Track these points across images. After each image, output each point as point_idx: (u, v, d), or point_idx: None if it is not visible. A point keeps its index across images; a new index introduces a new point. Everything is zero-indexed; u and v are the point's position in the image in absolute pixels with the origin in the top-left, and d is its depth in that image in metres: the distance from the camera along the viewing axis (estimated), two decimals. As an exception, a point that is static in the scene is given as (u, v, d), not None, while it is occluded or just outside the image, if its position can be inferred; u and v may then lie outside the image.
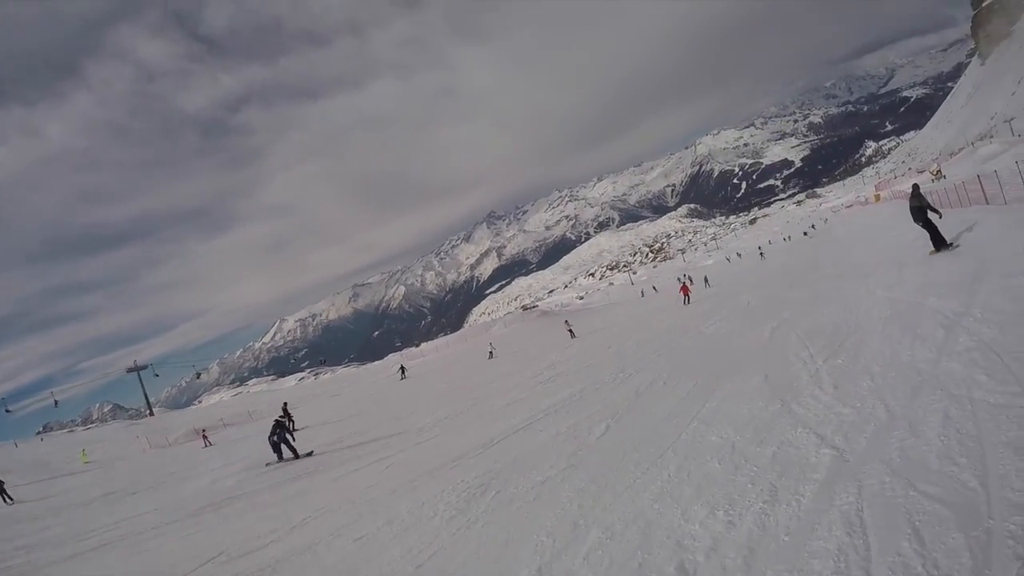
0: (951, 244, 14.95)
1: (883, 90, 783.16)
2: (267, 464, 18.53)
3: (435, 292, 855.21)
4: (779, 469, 5.62)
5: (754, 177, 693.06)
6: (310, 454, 18.40)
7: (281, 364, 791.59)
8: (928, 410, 5.62)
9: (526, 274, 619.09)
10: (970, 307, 8.40)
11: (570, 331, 39.62)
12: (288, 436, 18.73)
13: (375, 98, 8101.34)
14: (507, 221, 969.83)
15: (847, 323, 10.60)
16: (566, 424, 10.90)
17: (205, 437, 38.33)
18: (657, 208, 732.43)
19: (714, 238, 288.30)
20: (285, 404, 32.05)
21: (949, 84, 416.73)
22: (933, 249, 15.12)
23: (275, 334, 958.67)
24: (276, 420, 19.40)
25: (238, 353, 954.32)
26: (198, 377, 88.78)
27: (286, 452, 18.56)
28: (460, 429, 15.20)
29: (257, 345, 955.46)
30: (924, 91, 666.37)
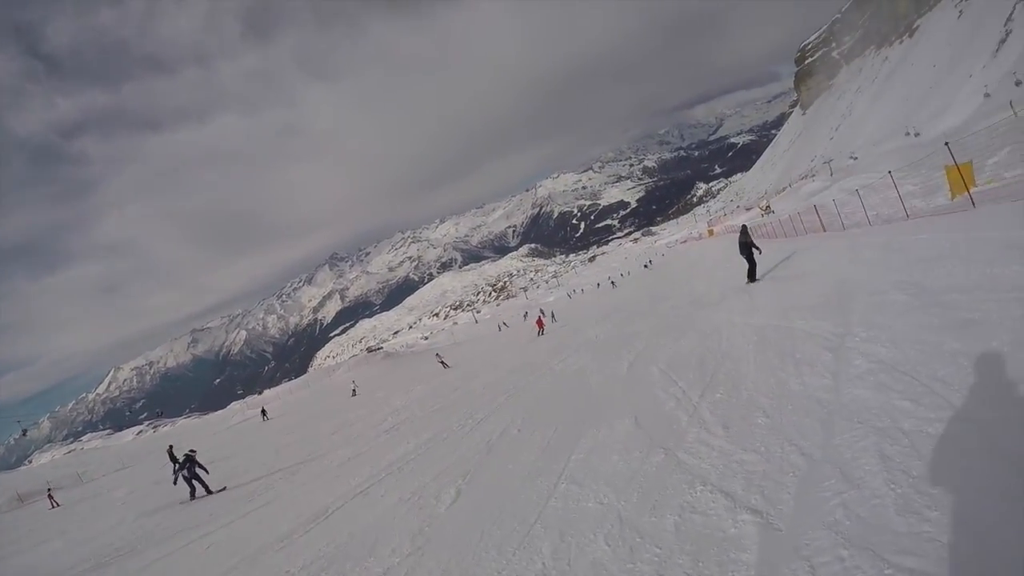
0: (757, 279, 17.14)
1: (712, 137, 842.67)
2: (182, 502, 16.98)
3: (278, 336, 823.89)
4: (691, 549, 4.30)
5: (592, 218, 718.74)
6: (223, 489, 17.11)
7: (117, 416, 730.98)
8: (855, 450, 4.62)
9: (370, 316, 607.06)
10: (850, 327, 7.91)
11: (442, 363, 39.99)
12: (199, 472, 17.28)
13: (219, 133, 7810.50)
14: (350, 263, 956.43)
15: (712, 352, 9.99)
16: (411, 487, 9.32)
17: (51, 497, 33.92)
18: (499, 248, 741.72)
19: (555, 275, 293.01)
20: (171, 447, 28.21)
21: (773, 131, 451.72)
22: (748, 280, 17.16)
23: (110, 384, 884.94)
24: (186, 455, 17.69)
25: (71, 405, 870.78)
26: (24, 434, 78.42)
27: (199, 489, 17.13)
28: (294, 492, 13.28)
29: (91, 396, 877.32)
30: (750, 138, 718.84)
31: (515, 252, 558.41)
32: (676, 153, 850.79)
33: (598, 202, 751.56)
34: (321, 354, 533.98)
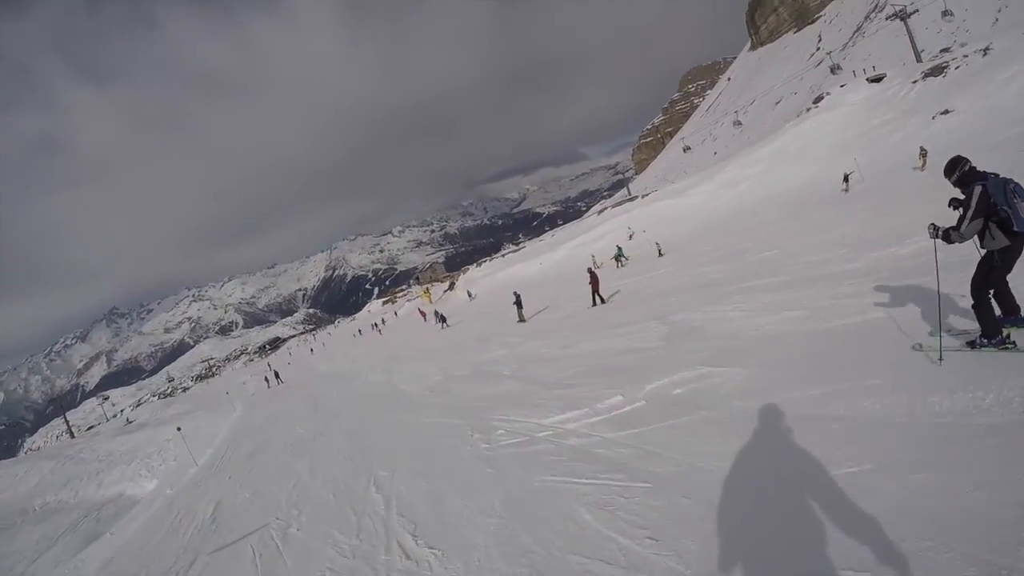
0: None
1: (515, 210, 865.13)
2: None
3: (40, 401, 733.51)
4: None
5: (387, 283, 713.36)
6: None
7: None
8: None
9: (131, 383, 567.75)
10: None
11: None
12: None
13: None
14: (130, 320, 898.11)
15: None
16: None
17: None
18: (286, 312, 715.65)
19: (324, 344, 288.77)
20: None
21: (578, 204, 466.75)
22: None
23: None
24: None
25: None
26: None
27: None
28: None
29: None
30: (555, 208, 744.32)
31: (290, 318, 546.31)
32: (479, 222, 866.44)
33: (395, 267, 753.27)
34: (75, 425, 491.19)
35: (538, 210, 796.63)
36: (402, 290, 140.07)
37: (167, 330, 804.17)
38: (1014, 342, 6.30)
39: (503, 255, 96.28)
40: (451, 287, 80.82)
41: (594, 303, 22.92)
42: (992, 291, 6.52)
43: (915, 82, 43.05)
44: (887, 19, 63.02)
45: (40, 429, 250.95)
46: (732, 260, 20.67)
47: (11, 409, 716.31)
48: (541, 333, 20.17)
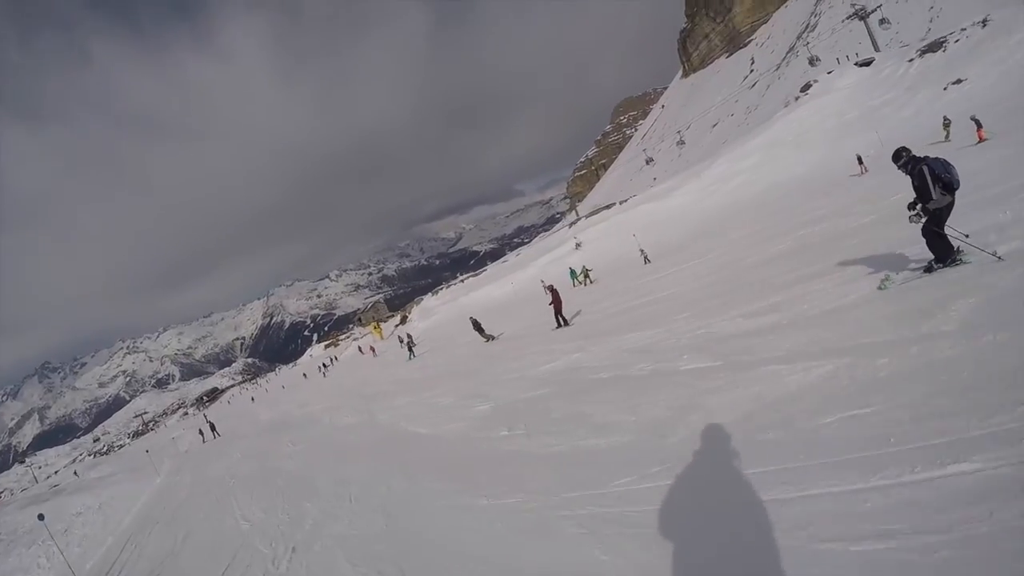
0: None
1: (452, 249, 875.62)
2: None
3: None
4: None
5: (326, 328, 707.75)
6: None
7: None
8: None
9: (65, 442, 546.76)
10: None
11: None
12: None
13: None
14: (62, 375, 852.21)
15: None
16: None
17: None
18: (224, 362, 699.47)
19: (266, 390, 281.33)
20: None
21: (515, 240, 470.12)
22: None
23: None
24: None
25: None
26: None
27: None
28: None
29: None
30: (492, 246, 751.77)
31: (227, 369, 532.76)
32: (416, 263, 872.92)
33: (333, 311, 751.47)
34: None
35: (475, 248, 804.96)
36: (344, 334, 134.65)
37: (101, 384, 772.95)
38: (962, 260, 8.74)
39: (462, 280, 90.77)
40: (403, 321, 75.68)
41: (558, 324, 20.87)
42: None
43: (911, 60, 44.34)
44: (843, 20, 64.14)
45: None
46: (723, 270, 18.22)
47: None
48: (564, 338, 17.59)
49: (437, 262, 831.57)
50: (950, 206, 8.64)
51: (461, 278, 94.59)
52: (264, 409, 47.62)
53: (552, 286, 24.51)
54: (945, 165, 8.53)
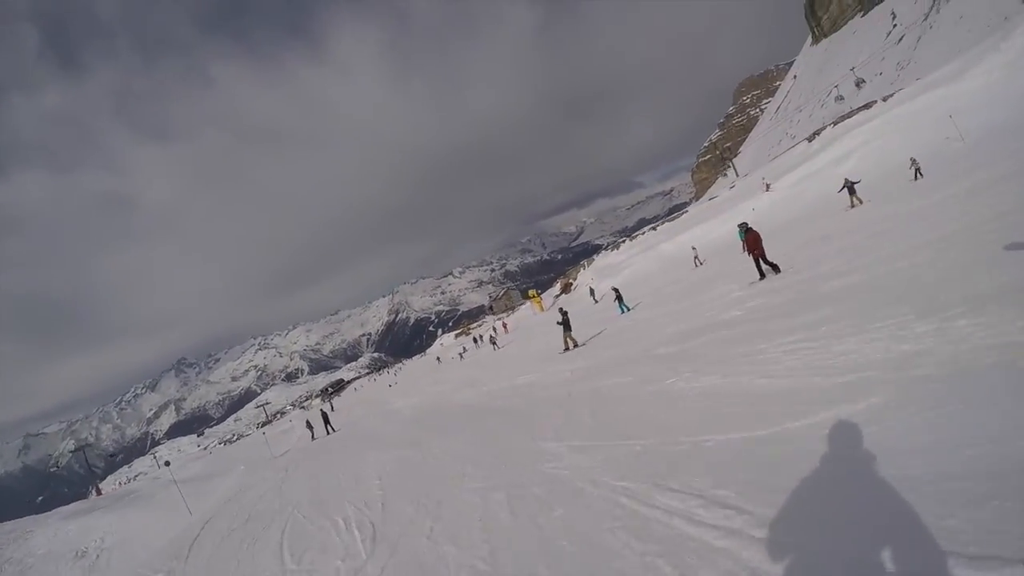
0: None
1: (574, 243, 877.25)
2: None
3: (111, 448, 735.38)
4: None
5: (450, 324, 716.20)
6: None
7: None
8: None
9: (198, 431, 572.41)
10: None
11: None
12: None
13: (19, 191, 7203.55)
14: (197, 369, 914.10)
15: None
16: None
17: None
18: (351, 357, 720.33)
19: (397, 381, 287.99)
20: None
21: (636, 234, 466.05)
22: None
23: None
24: None
25: None
26: None
27: None
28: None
29: None
30: (614, 239, 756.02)
31: (355, 363, 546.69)
32: (538, 257, 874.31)
33: (458, 307, 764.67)
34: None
35: (597, 241, 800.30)
36: (477, 322, 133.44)
37: (234, 378, 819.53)
38: None
39: (647, 231, 74.44)
40: (566, 289, 67.48)
41: (760, 275, 17.71)
42: None
43: None
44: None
45: (109, 476, 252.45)
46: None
47: (82, 457, 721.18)
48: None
49: (559, 256, 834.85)
50: None
51: (644, 231, 79.41)
52: (399, 396, 39.72)
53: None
54: None
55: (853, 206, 26.87)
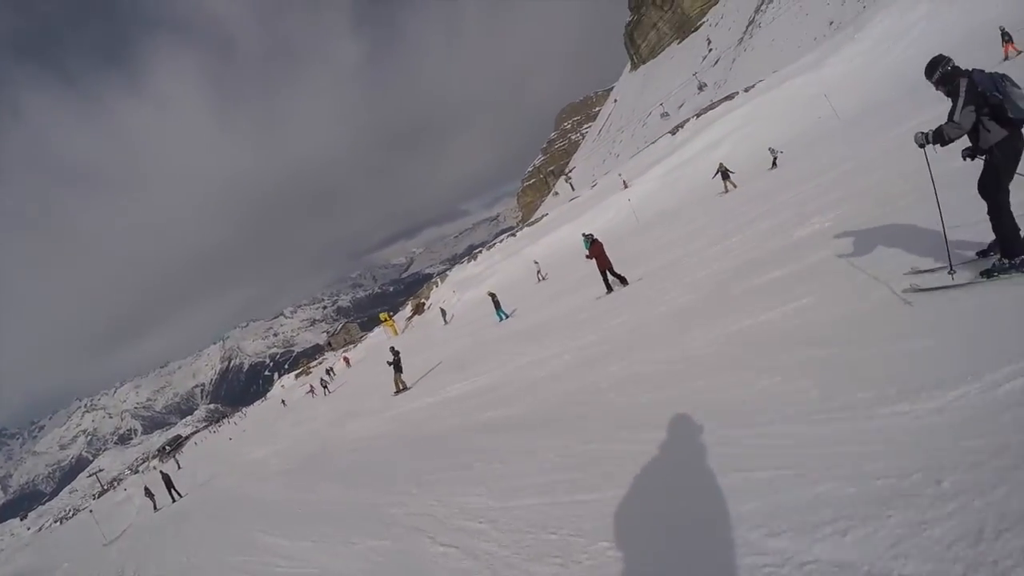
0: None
1: (405, 275, 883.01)
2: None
3: None
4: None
5: (286, 367, 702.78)
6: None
7: None
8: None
9: (22, 518, 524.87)
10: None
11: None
12: None
13: None
14: (21, 441, 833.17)
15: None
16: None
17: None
18: (187, 411, 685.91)
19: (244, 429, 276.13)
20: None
21: (462, 261, 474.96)
22: None
23: None
24: None
25: None
26: None
27: None
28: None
29: None
30: (445, 267, 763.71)
31: (190, 418, 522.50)
32: (369, 291, 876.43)
33: (292, 348, 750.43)
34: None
35: (427, 271, 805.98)
36: (316, 361, 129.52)
37: (62, 446, 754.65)
38: None
39: (501, 240, 74.07)
40: (418, 310, 66.00)
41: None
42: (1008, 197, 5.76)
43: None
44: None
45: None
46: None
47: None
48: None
49: (391, 288, 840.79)
50: (1013, 150, 5.67)
51: (498, 239, 78.64)
52: (255, 445, 33.94)
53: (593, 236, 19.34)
54: (996, 80, 5.64)
55: (727, 191, 29.08)
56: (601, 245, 18.13)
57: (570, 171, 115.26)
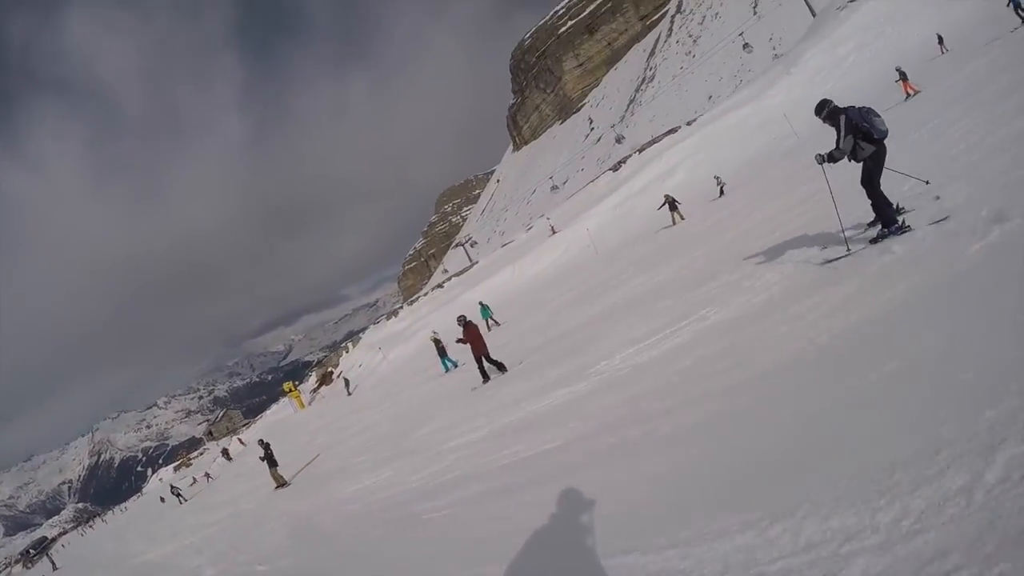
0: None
1: (284, 362, 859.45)
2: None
3: None
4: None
5: (160, 461, 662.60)
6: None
7: None
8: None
9: None
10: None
11: None
12: None
13: None
14: None
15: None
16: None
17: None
18: (53, 510, 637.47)
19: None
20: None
21: (340, 347, 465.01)
22: None
23: None
24: None
25: None
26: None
27: None
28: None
29: None
30: (325, 354, 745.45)
31: (56, 518, 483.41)
32: (247, 380, 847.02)
33: (166, 441, 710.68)
34: None
35: (307, 358, 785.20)
36: (197, 451, 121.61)
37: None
38: (910, 226, 8.10)
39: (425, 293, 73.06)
40: (325, 380, 61.68)
41: (485, 377, 16.16)
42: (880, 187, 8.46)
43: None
44: (680, 69, 68.85)
45: None
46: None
47: None
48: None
49: (270, 377, 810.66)
50: (879, 158, 8.43)
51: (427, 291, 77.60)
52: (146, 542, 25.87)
53: (464, 318, 17.37)
54: (864, 113, 8.29)
55: (675, 223, 28.87)
56: (476, 329, 16.50)
57: (467, 240, 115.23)
